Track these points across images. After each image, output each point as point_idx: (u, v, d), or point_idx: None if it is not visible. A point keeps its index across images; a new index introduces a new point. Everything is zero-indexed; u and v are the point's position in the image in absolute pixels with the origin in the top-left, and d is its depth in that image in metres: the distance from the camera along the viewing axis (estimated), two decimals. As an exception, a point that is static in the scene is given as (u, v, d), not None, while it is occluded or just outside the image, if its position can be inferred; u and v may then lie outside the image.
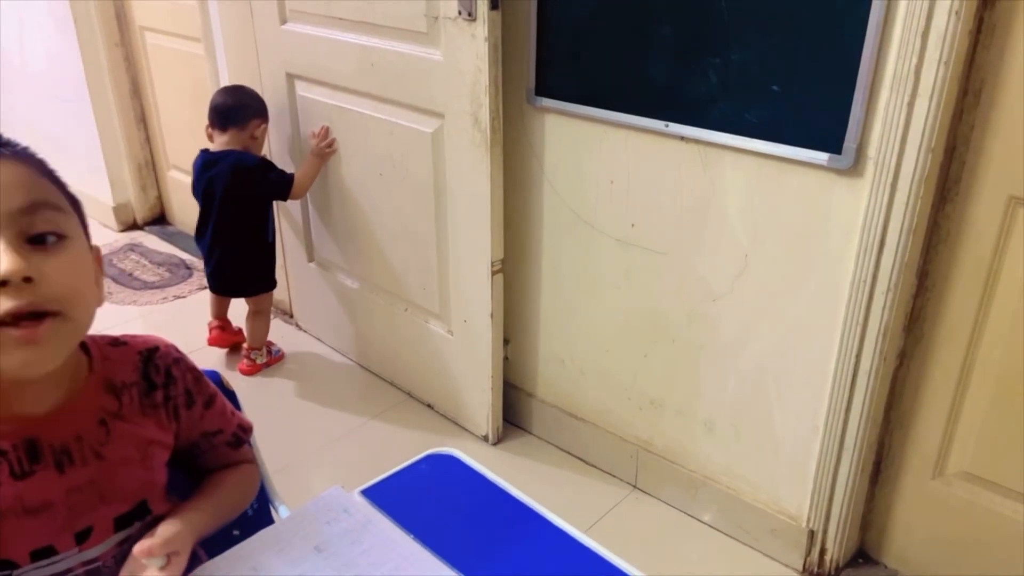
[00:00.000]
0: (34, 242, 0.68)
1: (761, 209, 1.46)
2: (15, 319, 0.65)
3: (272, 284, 2.31)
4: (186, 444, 0.89)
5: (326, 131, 2.09)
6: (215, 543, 0.93)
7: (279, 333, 2.52)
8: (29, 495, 0.74)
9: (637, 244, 1.67)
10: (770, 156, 1.41)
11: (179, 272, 2.95)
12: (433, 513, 0.93)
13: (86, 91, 3.01)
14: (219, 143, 2.09)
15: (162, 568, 0.77)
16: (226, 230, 2.14)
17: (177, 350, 0.89)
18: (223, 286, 2.29)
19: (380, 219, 2.08)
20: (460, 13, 1.62)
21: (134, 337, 0.86)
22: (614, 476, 1.90)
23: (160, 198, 3.29)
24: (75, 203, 0.76)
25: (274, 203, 2.25)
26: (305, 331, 2.54)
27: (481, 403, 2.01)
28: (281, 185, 2.10)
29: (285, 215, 2.38)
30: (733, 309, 1.57)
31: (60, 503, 0.76)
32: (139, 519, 0.83)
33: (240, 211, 2.13)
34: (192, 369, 0.89)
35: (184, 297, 2.79)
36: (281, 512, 1.13)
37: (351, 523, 0.89)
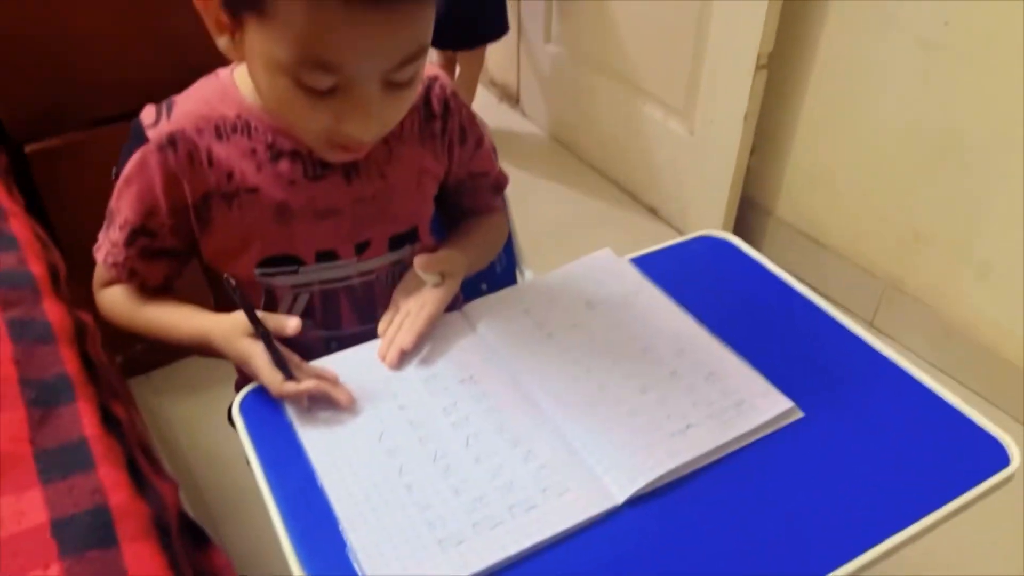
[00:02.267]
0: (391, 84, 0.65)
1: None
2: None
3: (495, 32, 2.07)
4: (454, 182, 0.87)
5: None
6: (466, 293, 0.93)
7: (502, 119, 2.47)
8: (320, 197, 0.76)
9: (947, 46, 1.40)
10: None
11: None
12: (707, 292, 0.85)
13: None
14: None
15: (436, 286, 0.79)
16: None
17: (453, 83, 0.85)
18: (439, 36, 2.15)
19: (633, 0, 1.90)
20: None
21: None
22: (848, 311, 1.75)
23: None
24: None
25: None
26: (530, 119, 2.48)
27: (712, 214, 1.88)
28: None
29: (527, -10, 2.25)
30: (1058, 136, 1.30)
31: (346, 211, 0.78)
32: (410, 243, 0.84)
33: None
34: (465, 106, 0.85)
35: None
36: (527, 275, 1.11)
37: (622, 287, 0.84)
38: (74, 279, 0.86)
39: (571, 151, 2.32)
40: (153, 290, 0.80)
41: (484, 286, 1.11)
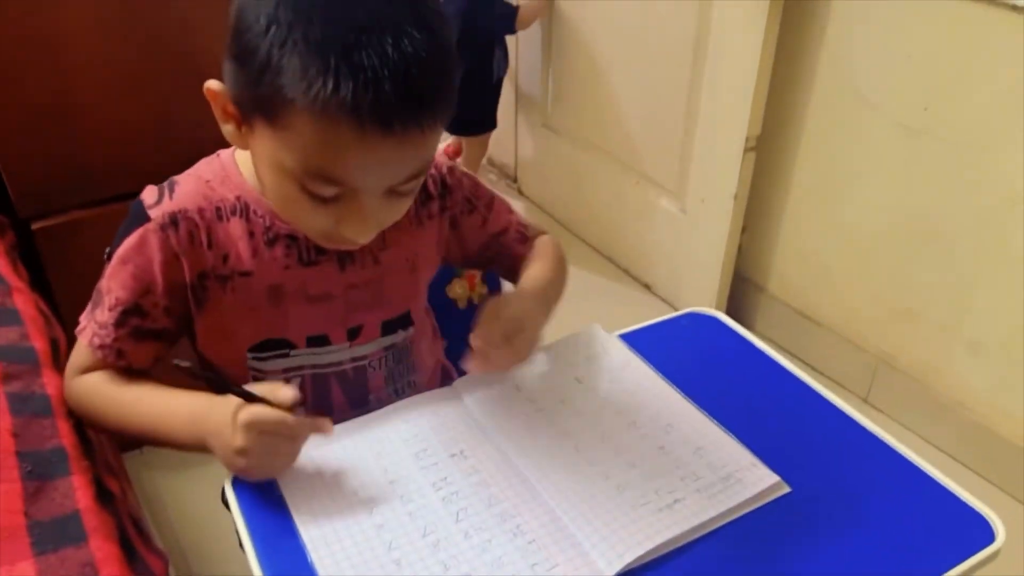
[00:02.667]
0: (393, 193, 0.67)
1: (1106, 98, 1.21)
2: None
3: (489, 125, 2.26)
4: (477, 248, 0.88)
5: None
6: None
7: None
8: (313, 282, 0.77)
9: (928, 131, 1.45)
10: None
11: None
12: (696, 368, 0.87)
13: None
14: None
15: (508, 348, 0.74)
16: None
17: (451, 157, 0.87)
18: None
19: (625, 82, 1.98)
20: None
21: None
22: (843, 387, 1.75)
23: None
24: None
25: (507, 46, 2.19)
26: (527, 197, 2.54)
27: (705, 290, 1.91)
28: (505, 15, 2.09)
29: (525, 73, 2.34)
30: (1038, 217, 1.34)
31: (339, 296, 0.79)
32: (403, 327, 0.85)
33: (465, 47, 2.05)
34: (467, 175, 0.87)
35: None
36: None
37: (611, 362, 0.86)
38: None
39: (567, 228, 2.37)
40: (136, 374, 0.76)
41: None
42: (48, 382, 0.76)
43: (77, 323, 0.77)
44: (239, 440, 0.64)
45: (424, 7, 0.61)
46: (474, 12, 2.05)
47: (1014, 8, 1.27)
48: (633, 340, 0.90)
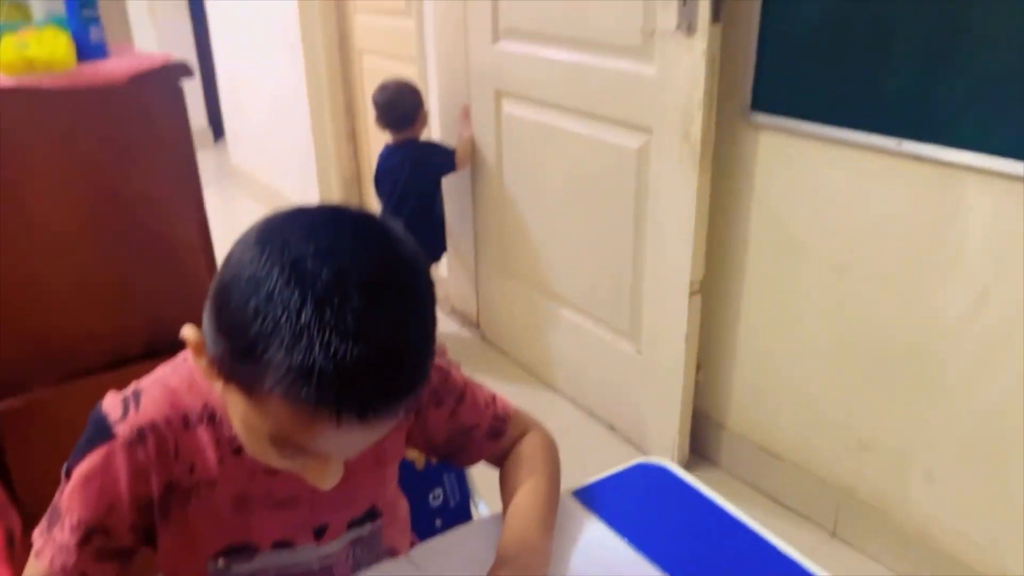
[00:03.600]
0: None
1: (1007, 237, 1.32)
2: None
3: (436, 255, 2.54)
4: (442, 440, 0.87)
5: (466, 107, 2.36)
6: (421, 532, 0.95)
7: (465, 345, 2.58)
8: (278, 488, 0.77)
9: (856, 270, 1.55)
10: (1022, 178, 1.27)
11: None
12: (647, 522, 0.89)
13: (306, 109, 3.27)
14: (396, 139, 2.38)
15: None
16: (403, 211, 2.35)
17: None
18: None
19: (576, 234, 2.09)
20: (679, 27, 1.60)
21: None
22: (810, 520, 1.76)
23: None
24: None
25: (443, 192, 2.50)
26: (490, 342, 2.59)
27: (667, 430, 1.94)
28: (446, 157, 2.38)
29: (482, 226, 2.45)
30: (967, 346, 1.42)
31: (305, 500, 0.78)
32: (370, 521, 0.85)
33: (416, 189, 2.38)
34: (438, 368, 0.85)
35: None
36: (481, 508, 1.14)
37: (566, 523, 0.88)
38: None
39: (530, 372, 2.41)
40: None
41: (439, 522, 1.13)
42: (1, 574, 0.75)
43: (37, 505, 0.74)
44: None
45: (420, 304, 0.62)
46: (421, 159, 2.36)
47: (916, 158, 1.40)
48: (587, 496, 0.93)
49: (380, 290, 0.58)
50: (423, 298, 0.63)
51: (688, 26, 1.58)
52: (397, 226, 0.64)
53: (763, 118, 1.62)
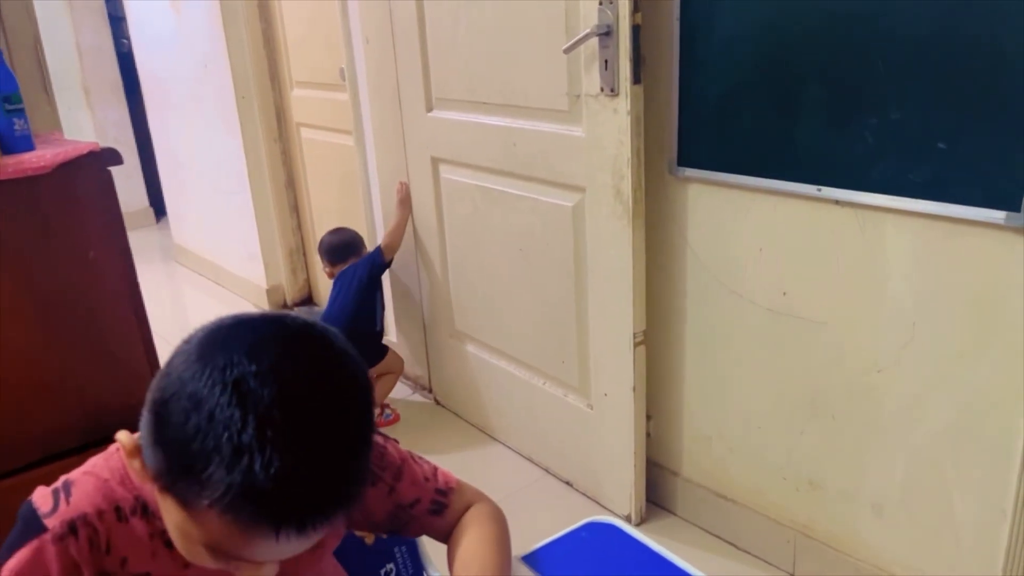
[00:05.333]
0: None
1: (929, 274, 1.38)
2: None
3: (376, 361, 2.48)
4: (385, 517, 0.87)
5: (405, 186, 2.40)
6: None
7: (419, 410, 2.56)
8: None
9: (789, 313, 1.60)
10: (937, 216, 1.33)
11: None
12: (597, 582, 0.89)
13: (247, 184, 3.27)
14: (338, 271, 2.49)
15: None
16: (349, 326, 2.35)
17: None
18: None
19: (520, 293, 2.11)
20: (602, 90, 1.66)
21: None
22: (769, 563, 1.77)
23: (308, 281, 3.48)
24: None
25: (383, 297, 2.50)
26: (444, 406, 2.58)
27: (623, 481, 1.94)
28: (375, 258, 2.42)
29: (428, 290, 2.46)
30: (900, 382, 1.46)
31: None
32: None
33: (358, 302, 2.39)
34: (374, 445, 0.85)
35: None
36: (434, 578, 1.12)
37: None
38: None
39: (485, 432, 2.40)
40: None
41: (391, 598, 1.11)
42: None
43: None
44: None
45: (360, 417, 0.63)
46: (354, 274, 2.42)
47: (836, 202, 1.46)
48: (537, 560, 0.92)
49: (321, 408, 0.60)
50: (363, 410, 0.64)
51: (611, 88, 1.64)
52: (337, 337, 0.65)
53: (690, 172, 1.67)
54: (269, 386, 0.57)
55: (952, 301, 1.36)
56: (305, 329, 0.64)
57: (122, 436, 0.66)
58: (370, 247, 2.54)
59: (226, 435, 0.56)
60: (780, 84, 1.48)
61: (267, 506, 0.57)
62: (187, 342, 0.63)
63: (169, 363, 0.62)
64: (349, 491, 0.62)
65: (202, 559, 0.65)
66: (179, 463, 0.58)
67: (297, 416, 0.58)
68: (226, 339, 0.61)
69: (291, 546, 0.62)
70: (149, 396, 0.62)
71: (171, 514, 0.63)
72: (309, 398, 0.59)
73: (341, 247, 2.52)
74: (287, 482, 0.56)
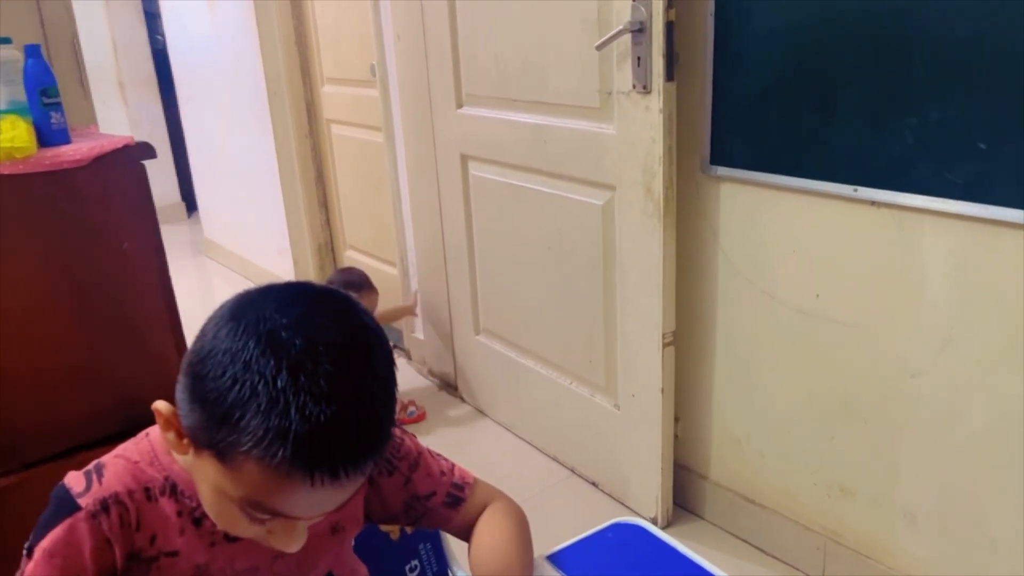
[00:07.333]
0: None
1: (967, 276, 1.35)
2: None
3: None
4: (400, 507, 0.88)
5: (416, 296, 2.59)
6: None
7: (444, 406, 2.56)
8: (239, 557, 0.78)
9: (822, 316, 1.57)
10: (977, 218, 1.30)
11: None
12: (624, 584, 0.87)
13: (277, 179, 3.30)
14: None
15: None
16: None
17: None
18: None
19: (548, 292, 2.10)
20: (635, 87, 1.64)
21: None
22: (798, 569, 1.74)
23: (336, 277, 3.50)
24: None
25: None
26: (469, 404, 2.57)
27: (649, 484, 1.92)
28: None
29: (455, 288, 2.46)
30: (936, 386, 1.43)
31: (264, 568, 0.80)
32: None
33: None
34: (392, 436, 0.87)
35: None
36: (459, 576, 1.12)
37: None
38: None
39: (511, 431, 2.39)
40: None
41: (414, 596, 1.11)
42: None
43: None
44: None
45: (384, 368, 0.66)
46: None
47: (873, 203, 1.43)
48: (563, 559, 0.91)
49: (348, 356, 0.63)
50: (386, 362, 0.67)
51: (644, 85, 1.62)
52: (357, 302, 0.69)
53: (723, 171, 1.65)
54: (300, 336, 0.61)
55: (991, 304, 1.33)
56: (328, 291, 0.68)
57: (160, 404, 0.68)
58: (396, 242, 2.54)
59: (261, 383, 0.59)
60: (816, 82, 1.45)
61: (302, 449, 0.59)
62: (219, 309, 0.66)
63: (202, 329, 0.65)
64: (377, 436, 0.64)
65: (236, 523, 0.67)
66: (217, 414, 0.61)
67: (327, 363, 0.61)
68: (256, 300, 0.65)
69: (325, 496, 0.64)
70: (184, 360, 0.65)
71: (208, 473, 0.65)
72: (337, 347, 0.62)
73: (343, 287, 2.50)
74: (320, 425, 0.59)
